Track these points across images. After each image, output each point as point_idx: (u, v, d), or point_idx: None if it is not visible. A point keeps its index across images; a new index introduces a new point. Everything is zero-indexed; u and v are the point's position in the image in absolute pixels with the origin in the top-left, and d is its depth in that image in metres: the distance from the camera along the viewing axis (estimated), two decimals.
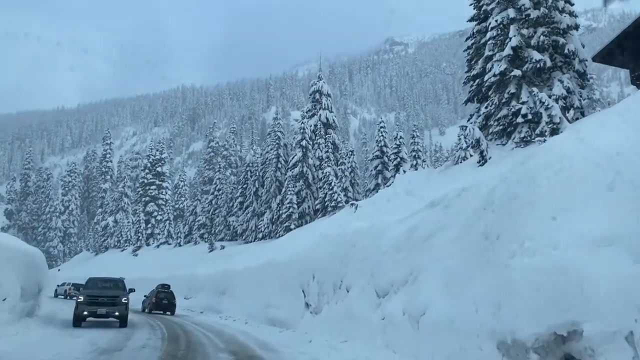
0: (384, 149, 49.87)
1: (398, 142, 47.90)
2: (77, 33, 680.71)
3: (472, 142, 28.08)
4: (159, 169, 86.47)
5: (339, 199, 48.63)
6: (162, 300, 31.20)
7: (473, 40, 34.79)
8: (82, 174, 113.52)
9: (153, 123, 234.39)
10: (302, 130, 56.69)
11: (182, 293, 40.60)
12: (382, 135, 50.62)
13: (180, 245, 68.58)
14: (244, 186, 63.63)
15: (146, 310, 32.28)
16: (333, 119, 59.40)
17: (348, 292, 15.14)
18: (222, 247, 57.48)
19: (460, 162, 33.67)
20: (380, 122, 51.93)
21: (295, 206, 52.82)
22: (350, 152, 55.97)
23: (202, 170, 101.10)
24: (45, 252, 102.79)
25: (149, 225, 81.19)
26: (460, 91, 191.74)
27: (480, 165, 27.65)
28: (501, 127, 29.93)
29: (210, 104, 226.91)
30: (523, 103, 28.60)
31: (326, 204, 49.84)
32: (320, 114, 58.65)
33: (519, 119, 28.42)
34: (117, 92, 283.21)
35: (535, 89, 26.14)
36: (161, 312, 31.12)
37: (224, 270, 35.72)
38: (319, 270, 18.27)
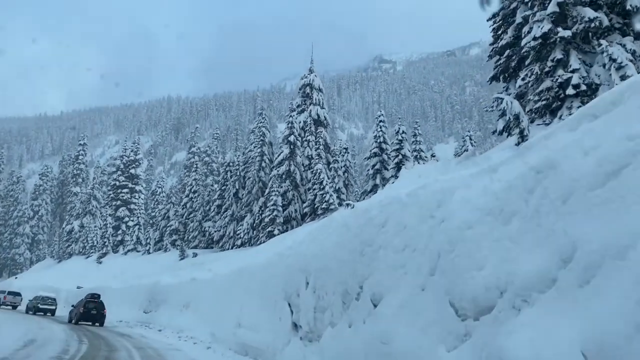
0: (383, 145, 43.46)
1: (400, 138, 41.46)
2: (64, 42, 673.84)
3: (509, 120, 21.76)
4: (132, 170, 79.17)
5: (332, 201, 41.91)
6: (90, 311, 29.43)
7: (501, 6, 28.92)
8: (56, 179, 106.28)
9: (136, 132, 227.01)
10: (290, 125, 50.14)
11: (141, 306, 34.59)
12: (381, 130, 44.22)
13: (149, 253, 61.42)
14: (223, 187, 56.43)
15: (73, 322, 30.00)
16: (325, 116, 53.12)
17: (376, 306, 8.53)
18: (195, 255, 50.58)
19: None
20: (380, 116, 45.45)
21: (280, 209, 45.86)
22: (344, 150, 49.18)
23: (182, 177, 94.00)
24: (11, 259, 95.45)
25: (119, 232, 73.71)
26: (448, 109, 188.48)
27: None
28: (544, 103, 23.80)
29: (196, 114, 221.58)
30: (573, 71, 22.51)
31: (316, 206, 43.05)
32: (310, 110, 52.38)
33: (569, 91, 22.31)
34: (101, 101, 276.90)
35: (604, 42, 19.94)
36: (90, 323, 29.59)
37: (191, 280, 29.09)
38: (316, 271, 11.52)
